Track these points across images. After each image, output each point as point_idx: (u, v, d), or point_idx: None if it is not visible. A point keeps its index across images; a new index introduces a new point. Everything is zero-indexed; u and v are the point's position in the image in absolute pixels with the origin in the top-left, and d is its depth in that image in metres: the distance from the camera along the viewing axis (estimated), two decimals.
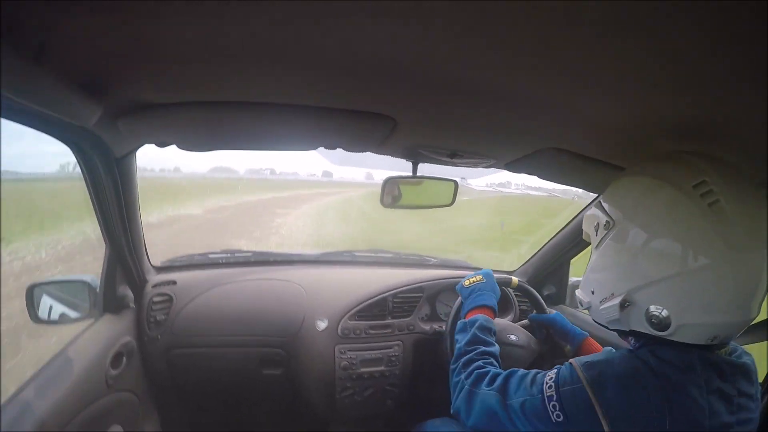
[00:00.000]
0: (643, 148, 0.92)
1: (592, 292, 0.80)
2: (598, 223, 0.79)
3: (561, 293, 1.83)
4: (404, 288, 1.64)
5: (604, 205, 0.79)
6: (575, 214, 1.68)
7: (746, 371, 0.74)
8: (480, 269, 1.30)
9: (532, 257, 1.88)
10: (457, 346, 1.02)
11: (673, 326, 0.68)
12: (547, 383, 0.76)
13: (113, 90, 0.76)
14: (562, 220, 1.76)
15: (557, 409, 0.72)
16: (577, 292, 0.89)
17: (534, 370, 0.82)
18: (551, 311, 1.37)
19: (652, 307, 0.69)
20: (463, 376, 0.92)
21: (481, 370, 0.91)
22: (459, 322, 1.09)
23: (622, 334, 0.80)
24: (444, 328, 1.45)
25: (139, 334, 1.41)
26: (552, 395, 0.74)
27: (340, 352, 1.49)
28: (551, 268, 1.82)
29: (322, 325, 1.51)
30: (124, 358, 1.27)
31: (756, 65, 0.49)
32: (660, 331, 0.69)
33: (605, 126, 0.82)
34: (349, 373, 1.48)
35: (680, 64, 0.52)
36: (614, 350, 0.79)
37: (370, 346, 1.53)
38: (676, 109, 0.68)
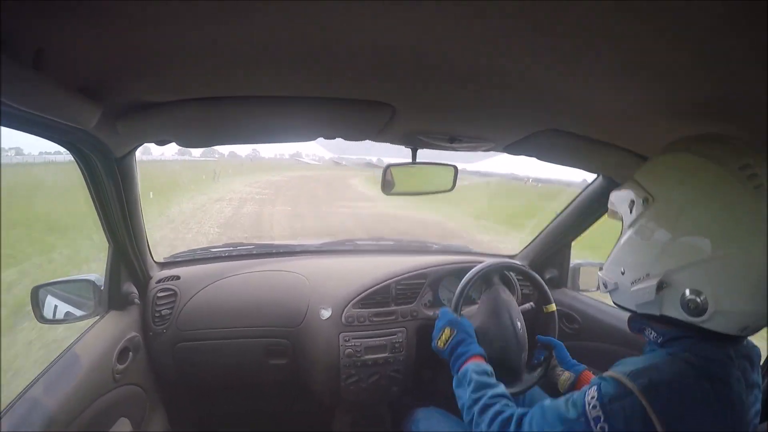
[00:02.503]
0: (643, 128, 0.93)
1: (622, 273, 0.77)
2: (632, 201, 0.77)
3: (562, 276, 1.84)
4: (407, 275, 1.64)
5: (641, 181, 0.77)
6: (574, 197, 1.69)
7: (758, 359, 0.74)
8: (478, 255, 1.29)
9: (532, 241, 1.88)
10: (461, 401, 0.97)
11: (708, 312, 0.66)
12: (589, 403, 0.69)
13: (111, 92, 0.76)
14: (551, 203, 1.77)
15: (606, 430, 0.66)
16: (600, 274, 0.86)
17: (559, 401, 0.76)
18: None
19: (689, 291, 0.67)
20: (483, 427, 0.86)
21: (502, 416, 0.84)
22: (454, 379, 1.04)
23: (644, 322, 0.79)
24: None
25: (145, 329, 1.43)
26: (599, 416, 0.67)
27: (345, 340, 1.50)
28: (552, 251, 1.83)
29: (326, 314, 1.52)
30: (130, 353, 1.28)
31: (760, 45, 0.48)
32: (695, 316, 0.67)
33: (604, 107, 0.82)
34: (353, 361, 1.49)
35: (680, 46, 0.52)
36: (648, 354, 0.76)
37: (374, 333, 1.54)
38: (676, 90, 0.68)
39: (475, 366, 0.99)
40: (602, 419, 0.66)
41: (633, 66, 0.60)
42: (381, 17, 0.52)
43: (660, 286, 0.70)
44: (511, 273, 1.69)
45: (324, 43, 0.60)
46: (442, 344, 1.11)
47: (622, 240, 0.79)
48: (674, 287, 0.69)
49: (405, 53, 0.63)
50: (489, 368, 1.00)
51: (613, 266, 0.81)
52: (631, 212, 0.77)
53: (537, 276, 1.46)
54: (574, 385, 1.14)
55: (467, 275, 1.32)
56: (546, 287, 1.44)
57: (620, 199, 0.81)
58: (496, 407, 0.86)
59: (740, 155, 0.66)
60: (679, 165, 0.73)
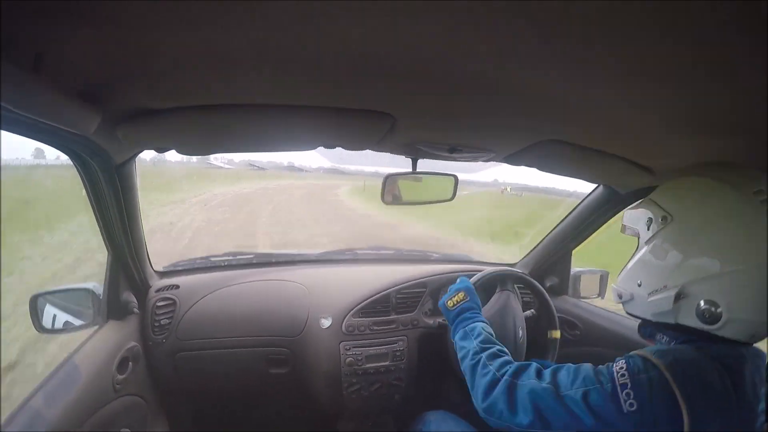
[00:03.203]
0: (645, 138, 0.92)
1: (639, 284, 0.83)
2: (650, 219, 0.83)
3: (563, 284, 1.84)
4: (407, 284, 1.64)
5: (659, 201, 0.84)
6: (574, 206, 1.69)
7: (764, 362, 0.77)
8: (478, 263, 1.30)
9: (533, 249, 1.88)
10: (464, 351, 0.98)
11: (722, 321, 0.71)
12: (618, 372, 0.73)
13: (111, 97, 0.76)
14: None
15: (631, 397, 0.70)
16: (614, 287, 0.91)
17: (586, 364, 0.79)
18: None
19: (704, 302, 0.72)
20: (493, 369, 0.87)
21: (519, 363, 0.87)
22: (458, 333, 1.04)
23: (655, 329, 0.84)
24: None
25: (144, 338, 1.42)
26: (626, 383, 0.71)
27: (345, 349, 1.49)
28: (553, 259, 1.83)
29: (326, 323, 1.52)
30: (130, 363, 1.27)
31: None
32: (709, 324, 0.72)
33: (606, 117, 0.82)
34: (354, 369, 1.49)
35: (684, 52, 0.52)
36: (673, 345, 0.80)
37: (374, 342, 1.54)
38: (679, 99, 0.68)
39: (486, 326, 1.03)
40: (629, 386, 0.71)
41: (636, 74, 0.60)
42: (382, 26, 0.52)
43: (677, 297, 0.75)
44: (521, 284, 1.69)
45: (324, 51, 0.60)
46: (451, 304, 1.14)
47: (639, 254, 0.85)
48: (690, 298, 0.74)
49: (405, 63, 0.63)
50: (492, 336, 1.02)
51: (629, 278, 0.87)
52: (648, 229, 0.84)
53: (549, 300, 1.47)
54: None
55: (494, 270, 1.35)
56: (554, 311, 1.44)
57: (637, 216, 0.88)
58: (506, 357, 0.91)
59: (755, 182, 0.73)
60: (698, 188, 0.80)
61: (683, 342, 0.78)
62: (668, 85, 0.63)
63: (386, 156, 1.18)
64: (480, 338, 0.98)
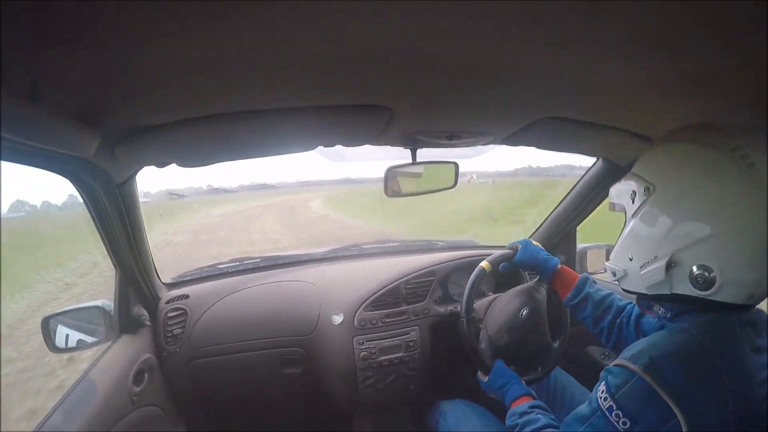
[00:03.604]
0: (642, 107, 0.92)
1: (630, 259, 0.82)
2: (634, 192, 0.81)
3: (570, 261, 1.85)
4: (415, 274, 1.65)
5: (640, 173, 0.81)
6: (574, 184, 1.69)
7: (765, 324, 0.77)
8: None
9: (537, 229, 1.88)
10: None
11: (716, 285, 0.70)
12: (600, 397, 0.73)
13: (109, 117, 0.76)
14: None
15: (621, 416, 0.69)
16: (608, 264, 0.90)
17: (581, 406, 0.80)
18: (517, 245, 1.33)
19: (696, 267, 0.72)
20: None
21: None
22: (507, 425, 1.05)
23: (656, 301, 0.82)
24: (459, 308, 1.46)
25: (158, 349, 1.43)
26: (611, 406, 0.71)
27: (359, 343, 1.50)
28: (557, 237, 1.83)
29: (337, 319, 1.52)
30: (146, 375, 1.28)
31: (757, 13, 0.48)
32: (704, 290, 0.71)
33: (602, 89, 0.82)
34: (369, 363, 1.49)
35: (679, 16, 0.51)
36: (651, 335, 0.79)
37: (387, 334, 1.54)
38: (675, 64, 0.68)
39: (512, 412, 1.02)
40: (615, 407, 0.70)
41: (630, 43, 0.60)
42: (376, 20, 0.51)
43: (669, 266, 0.74)
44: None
45: (319, 50, 0.59)
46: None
47: (627, 229, 0.84)
48: (682, 265, 0.73)
49: (400, 54, 0.62)
50: (525, 406, 1.01)
51: (620, 254, 0.86)
52: (633, 202, 0.82)
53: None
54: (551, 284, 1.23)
55: (468, 284, 1.32)
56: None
57: (621, 191, 0.86)
58: None
59: (732, 139, 0.71)
60: (676, 153, 0.78)
61: (679, 314, 0.78)
62: (662, 52, 0.63)
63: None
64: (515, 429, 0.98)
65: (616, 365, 0.74)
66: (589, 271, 1.83)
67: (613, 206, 0.90)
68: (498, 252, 1.33)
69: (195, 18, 0.48)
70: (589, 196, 1.65)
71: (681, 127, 0.82)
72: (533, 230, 1.93)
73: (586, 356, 1.69)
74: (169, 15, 0.47)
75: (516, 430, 0.96)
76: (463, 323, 1.35)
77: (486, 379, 1.19)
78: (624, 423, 0.69)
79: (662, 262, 0.75)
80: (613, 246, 1.51)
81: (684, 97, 0.82)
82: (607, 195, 1.61)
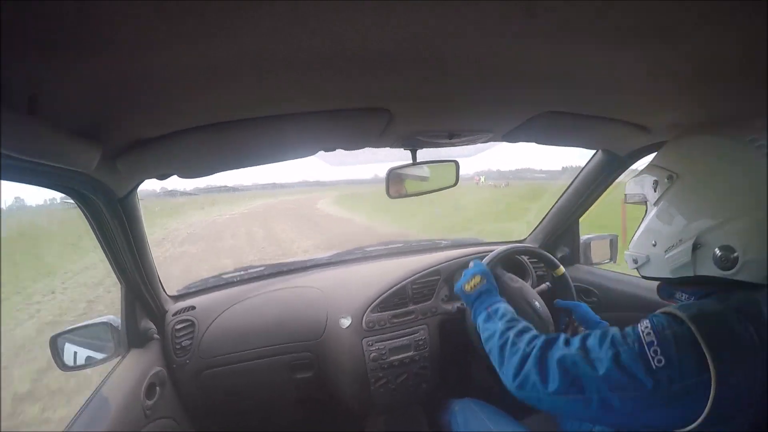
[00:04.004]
0: (639, 98, 0.93)
1: (654, 244, 0.86)
2: (656, 181, 0.86)
3: (574, 253, 1.85)
4: (421, 273, 1.65)
5: (661, 164, 0.87)
6: (575, 176, 1.69)
7: None
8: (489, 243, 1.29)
9: (540, 223, 1.89)
10: (489, 332, 0.97)
11: (738, 264, 0.73)
12: (644, 331, 0.73)
13: (109, 131, 0.75)
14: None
15: (658, 353, 0.70)
16: (628, 253, 0.94)
17: (613, 328, 0.79)
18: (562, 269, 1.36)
19: (719, 249, 0.75)
20: (523, 345, 0.87)
21: (547, 335, 0.86)
22: (480, 316, 1.03)
23: (674, 288, 0.86)
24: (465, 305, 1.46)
25: (168, 362, 1.42)
26: (652, 340, 0.71)
27: (368, 345, 1.50)
28: (561, 230, 1.84)
29: (345, 322, 1.52)
30: (158, 388, 1.28)
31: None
32: (727, 270, 0.75)
33: (599, 82, 0.81)
34: (379, 364, 1.50)
35: (675, 6, 0.51)
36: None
37: (396, 335, 1.54)
38: (672, 54, 0.67)
39: (507, 306, 1.03)
40: (655, 343, 0.71)
41: (625, 35, 0.60)
42: (374, 22, 0.51)
43: (694, 248, 0.78)
44: (523, 257, 1.70)
45: (318, 53, 0.59)
46: (469, 288, 1.13)
47: (649, 217, 0.88)
48: (706, 247, 0.77)
49: (398, 55, 0.62)
50: (505, 308, 1.02)
51: (642, 242, 0.90)
52: (655, 191, 0.87)
53: (536, 248, 1.47)
54: None
55: (505, 249, 1.35)
56: (548, 254, 1.44)
57: (642, 182, 0.91)
58: (533, 332, 0.90)
59: (749, 131, 0.75)
60: (696, 144, 0.84)
61: (703, 297, 0.80)
62: (659, 42, 0.62)
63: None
64: (504, 318, 0.97)
65: (662, 313, 0.75)
66: (594, 261, 1.83)
67: (628, 198, 0.95)
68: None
69: (194, 27, 0.48)
70: (591, 187, 1.65)
71: (700, 123, 0.88)
72: (536, 224, 1.93)
73: None
74: (168, 24, 0.47)
75: (508, 318, 0.97)
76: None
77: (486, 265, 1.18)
78: (659, 361, 0.70)
79: (688, 244, 0.78)
80: (616, 236, 1.51)
81: (681, 86, 0.83)
82: (608, 185, 1.63)
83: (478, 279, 1.13)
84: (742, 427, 0.69)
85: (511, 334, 0.91)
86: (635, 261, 0.92)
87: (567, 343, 0.81)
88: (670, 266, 0.83)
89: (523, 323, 0.95)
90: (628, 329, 0.77)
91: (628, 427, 0.78)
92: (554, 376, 0.78)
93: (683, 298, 0.84)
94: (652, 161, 0.91)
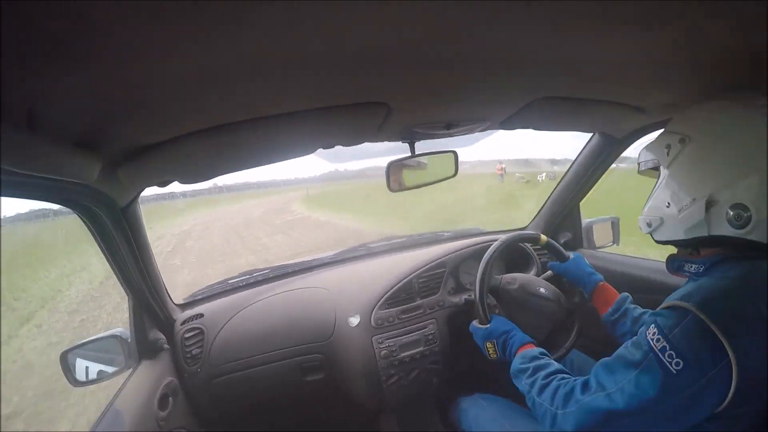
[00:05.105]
0: (634, 80, 0.93)
1: (668, 206, 0.87)
2: (668, 145, 0.87)
3: (577, 238, 1.85)
4: (426, 267, 1.65)
5: (674, 129, 0.88)
6: (573, 160, 1.70)
7: None
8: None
9: (541, 209, 1.89)
10: (523, 393, 0.96)
11: (752, 223, 0.74)
12: (652, 339, 0.72)
13: (109, 141, 0.76)
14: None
15: (674, 357, 0.68)
16: (641, 218, 0.95)
17: (619, 349, 0.79)
18: (570, 255, 1.35)
19: (733, 206, 0.76)
20: (547, 404, 0.86)
21: (562, 389, 0.85)
22: (512, 371, 1.03)
23: (682, 260, 0.87)
24: (473, 296, 1.46)
25: (179, 372, 1.42)
26: (664, 346, 0.70)
27: (378, 342, 1.50)
28: (562, 215, 1.84)
29: (354, 321, 1.52)
30: (170, 398, 1.28)
31: None
32: (740, 228, 0.75)
33: (593, 65, 0.82)
34: (390, 361, 1.50)
35: None
36: (691, 283, 0.82)
37: (405, 330, 1.54)
38: (660, 36, 0.68)
39: (521, 356, 1.01)
40: (668, 348, 0.70)
41: (618, 18, 0.60)
42: (368, 17, 0.51)
43: (708, 206, 0.78)
44: (527, 245, 1.69)
45: (315, 51, 0.59)
46: (495, 355, 1.12)
47: (663, 180, 0.89)
48: (720, 205, 0.77)
49: (394, 49, 0.62)
50: (535, 352, 1.01)
51: (656, 205, 0.91)
52: (668, 155, 0.88)
53: (508, 236, 1.41)
54: (591, 298, 1.24)
55: (477, 280, 1.28)
56: (522, 232, 1.38)
57: (654, 148, 0.92)
58: (553, 384, 0.88)
59: (759, 98, 0.77)
60: (710, 108, 0.84)
61: (713, 265, 0.80)
62: (651, 23, 0.63)
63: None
64: (525, 375, 0.96)
65: (665, 308, 0.75)
66: (597, 245, 1.83)
67: (641, 166, 0.97)
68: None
69: (190, 32, 0.48)
70: (589, 170, 1.66)
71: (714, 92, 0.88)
72: (535, 212, 1.94)
73: (601, 333, 1.70)
74: (163, 31, 0.47)
75: (528, 374, 0.95)
76: (479, 307, 1.34)
77: (484, 326, 1.16)
78: (677, 364, 0.68)
79: (702, 202, 0.79)
80: (617, 219, 1.52)
81: (675, 66, 0.83)
82: (606, 167, 1.64)
83: (489, 345, 1.13)
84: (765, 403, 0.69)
85: (534, 392, 0.91)
86: (649, 225, 0.92)
87: (585, 387, 0.80)
88: (684, 225, 0.83)
89: (541, 373, 0.93)
90: (637, 339, 0.77)
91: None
92: (588, 422, 0.78)
93: (692, 269, 0.84)
94: (666, 127, 0.91)
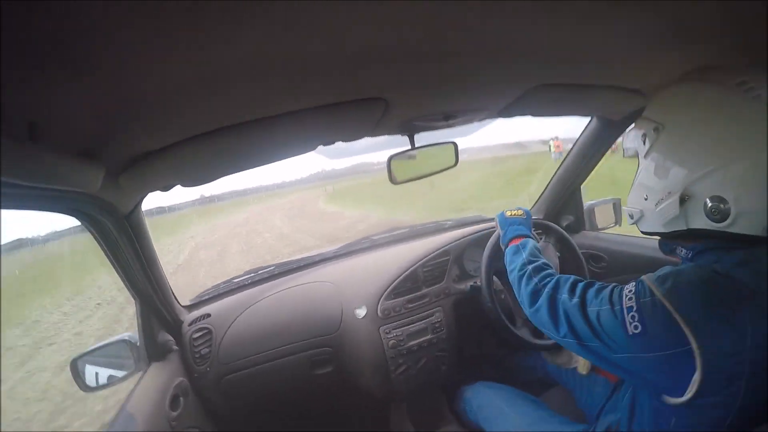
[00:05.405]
0: (630, 62, 0.93)
1: (645, 198, 0.85)
2: (644, 134, 0.84)
3: (579, 220, 1.86)
4: (430, 256, 1.66)
5: (649, 116, 0.84)
6: (572, 145, 1.69)
7: None
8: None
9: (542, 193, 1.89)
10: (515, 262, 1.05)
11: (732, 216, 0.70)
12: (626, 295, 0.75)
13: (111, 148, 0.75)
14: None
15: (635, 320, 0.71)
16: (625, 209, 0.94)
17: (612, 284, 0.82)
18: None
19: (710, 199, 0.72)
20: (536, 280, 0.94)
21: (559, 276, 0.92)
22: (508, 248, 1.13)
23: (674, 243, 0.84)
24: (478, 282, 1.47)
25: (189, 372, 1.43)
26: (632, 306, 0.73)
27: (386, 333, 1.51)
28: (563, 199, 1.84)
29: (361, 312, 1.53)
30: (181, 399, 1.29)
31: None
32: (719, 222, 0.72)
33: (589, 50, 0.81)
34: (399, 351, 1.51)
35: None
36: (682, 265, 0.79)
37: (412, 319, 1.56)
38: (660, 17, 0.67)
39: (535, 243, 1.11)
40: (634, 308, 0.72)
41: (606, 3, 0.59)
42: (365, 15, 0.51)
43: (683, 200, 0.76)
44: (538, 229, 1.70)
45: (313, 50, 0.59)
46: (509, 214, 1.26)
47: (641, 170, 0.86)
48: (696, 198, 0.74)
49: (391, 44, 0.62)
50: (531, 245, 1.11)
51: (635, 196, 0.89)
52: (644, 144, 0.84)
53: (568, 236, 1.49)
54: None
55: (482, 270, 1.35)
56: (575, 245, 1.47)
57: (633, 136, 0.88)
58: (549, 270, 0.98)
59: (736, 74, 0.72)
60: (682, 93, 0.80)
61: (699, 253, 0.78)
62: (641, 5, 0.62)
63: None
64: (528, 253, 1.05)
65: (643, 281, 0.76)
66: (599, 227, 1.84)
67: (626, 152, 0.93)
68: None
69: (188, 38, 0.48)
70: (589, 154, 1.66)
71: (686, 72, 0.83)
72: (537, 196, 1.93)
73: None
74: (162, 37, 0.47)
75: (523, 255, 1.05)
76: (485, 293, 1.36)
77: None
78: (635, 327, 0.71)
79: (676, 197, 0.76)
80: (619, 200, 1.51)
81: (668, 47, 0.82)
82: (605, 151, 1.63)
83: (520, 212, 1.26)
84: (743, 394, 0.67)
85: (530, 267, 0.99)
86: (631, 216, 0.91)
87: (573, 289, 0.86)
88: (662, 220, 0.81)
89: (542, 260, 1.01)
90: (617, 288, 0.79)
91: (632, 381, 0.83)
92: (562, 321, 0.84)
93: (683, 253, 0.82)
94: (643, 113, 0.88)
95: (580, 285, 0.85)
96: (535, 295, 0.93)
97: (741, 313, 0.67)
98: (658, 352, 0.69)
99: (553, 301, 0.88)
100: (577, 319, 0.81)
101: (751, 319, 0.66)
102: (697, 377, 0.66)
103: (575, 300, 0.83)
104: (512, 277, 1.04)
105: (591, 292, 0.82)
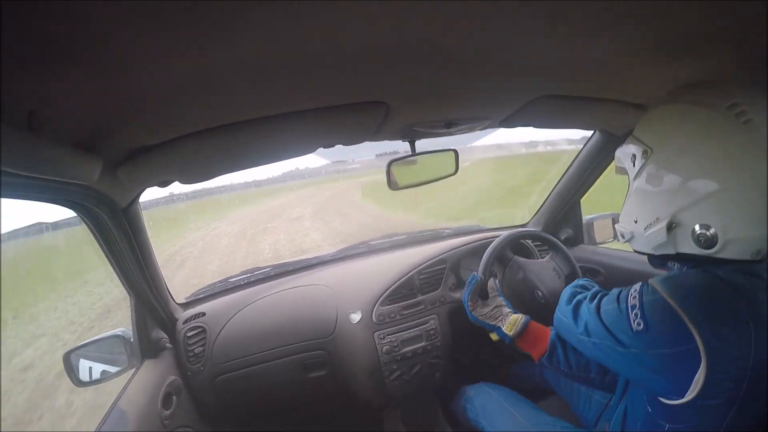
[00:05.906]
0: (633, 76, 0.93)
1: (635, 221, 0.84)
2: (634, 155, 0.82)
3: (578, 234, 1.86)
4: (427, 263, 1.66)
5: (639, 136, 0.82)
6: (574, 157, 1.69)
7: None
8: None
9: (542, 206, 1.89)
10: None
11: (719, 243, 0.70)
12: (632, 294, 0.77)
13: (109, 142, 0.75)
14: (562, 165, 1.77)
15: (638, 317, 0.73)
16: (617, 227, 0.93)
17: (620, 288, 0.84)
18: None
19: (698, 227, 0.72)
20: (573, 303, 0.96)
21: (584, 293, 0.96)
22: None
23: (666, 260, 0.83)
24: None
25: (182, 370, 1.42)
26: (635, 304, 0.75)
27: (380, 338, 1.51)
28: (562, 212, 1.84)
29: (356, 317, 1.53)
30: (174, 397, 1.28)
31: None
32: (707, 249, 0.71)
33: (593, 62, 0.81)
34: (393, 356, 1.51)
35: None
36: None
37: (407, 326, 1.55)
38: (664, 30, 0.67)
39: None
40: (637, 306, 0.74)
41: (617, 14, 0.59)
42: (367, 18, 0.51)
43: (670, 227, 0.75)
44: (528, 241, 1.70)
45: (313, 52, 0.59)
46: (510, 331, 1.17)
47: (630, 192, 0.86)
48: (684, 225, 0.74)
49: (393, 49, 0.62)
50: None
51: (626, 217, 0.88)
52: (634, 165, 0.83)
53: (564, 247, 1.50)
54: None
55: (498, 242, 1.36)
56: (570, 255, 1.48)
57: (623, 154, 0.87)
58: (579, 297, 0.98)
59: (727, 96, 0.69)
60: (670, 115, 0.78)
61: (693, 267, 0.78)
62: (644, 20, 0.62)
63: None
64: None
65: (648, 283, 0.77)
66: (597, 241, 1.84)
67: (619, 170, 0.92)
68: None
69: (189, 35, 0.48)
70: (590, 168, 1.66)
71: (677, 88, 0.82)
72: (537, 207, 1.94)
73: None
74: (163, 33, 0.47)
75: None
76: None
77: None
78: (638, 324, 0.73)
79: (663, 224, 0.76)
80: (618, 214, 1.53)
81: (672, 62, 0.82)
82: (606, 165, 1.64)
83: (513, 318, 1.19)
84: (741, 397, 0.68)
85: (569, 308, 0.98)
86: (623, 236, 0.91)
87: (593, 298, 0.89)
88: (651, 244, 0.81)
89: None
90: (624, 289, 0.81)
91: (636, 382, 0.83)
92: (580, 321, 0.88)
93: (675, 267, 0.83)
94: (633, 132, 0.86)
95: (601, 293, 0.89)
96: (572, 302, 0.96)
97: (744, 316, 0.67)
98: (664, 349, 0.70)
99: (577, 308, 0.92)
100: (591, 319, 0.85)
101: (755, 324, 0.67)
102: (700, 377, 0.67)
103: (593, 306, 0.86)
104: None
105: (606, 299, 0.85)
